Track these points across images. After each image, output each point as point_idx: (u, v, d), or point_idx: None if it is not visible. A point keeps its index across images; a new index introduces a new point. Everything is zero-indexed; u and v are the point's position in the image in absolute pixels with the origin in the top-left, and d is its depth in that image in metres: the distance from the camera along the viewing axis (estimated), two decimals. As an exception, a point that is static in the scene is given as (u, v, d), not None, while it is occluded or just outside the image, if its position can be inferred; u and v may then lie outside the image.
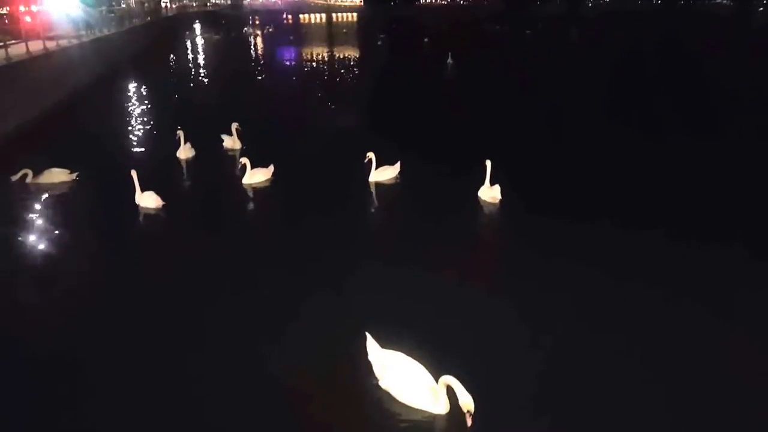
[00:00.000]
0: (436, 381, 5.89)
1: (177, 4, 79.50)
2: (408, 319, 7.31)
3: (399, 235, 10.49)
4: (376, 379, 6.30)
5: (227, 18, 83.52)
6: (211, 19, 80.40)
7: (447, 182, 12.83)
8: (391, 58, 37.37)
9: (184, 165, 14.54)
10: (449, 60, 31.63)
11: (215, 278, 8.78)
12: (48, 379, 6.55)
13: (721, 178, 13.03)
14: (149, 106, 22.81)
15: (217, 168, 14.42)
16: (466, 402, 5.49)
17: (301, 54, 41.80)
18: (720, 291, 8.22)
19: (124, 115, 20.69)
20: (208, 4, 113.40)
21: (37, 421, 5.99)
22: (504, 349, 6.87)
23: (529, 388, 6.25)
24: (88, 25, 29.15)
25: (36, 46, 20.89)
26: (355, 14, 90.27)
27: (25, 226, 10.80)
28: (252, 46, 50.08)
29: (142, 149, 16.34)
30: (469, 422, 5.47)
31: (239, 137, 15.74)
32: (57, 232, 10.58)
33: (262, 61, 39.51)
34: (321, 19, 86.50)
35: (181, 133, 14.80)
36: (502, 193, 11.34)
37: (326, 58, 38.89)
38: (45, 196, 12.32)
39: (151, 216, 11.33)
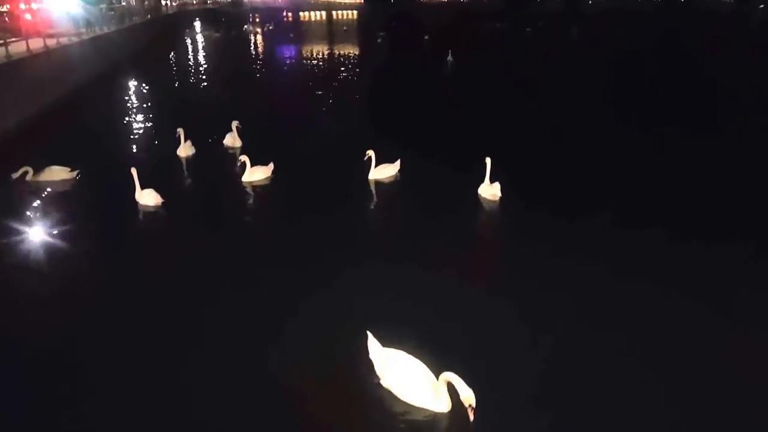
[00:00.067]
0: (437, 379, 5.90)
1: (177, 1, 79.50)
2: (408, 318, 7.31)
3: (399, 233, 10.49)
4: (378, 378, 6.30)
5: (227, 16, 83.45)
6: (211, 17, 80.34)
7: (447, 180, 12.83)
8: (391, 56, 37.35)
9: (184, 163, 14.54)
10: (449, 58, 31.63)
11: (215, 276, 8.78)
12: (48, 378, 6.56)
13: (722, 176, 13.02)
14: (149, 104, 22.81)
15: (217, 166, 14.41)
16: (468, 396, 5.50)
17: (301, 52, 41.76)
18: (720, 290, 8.23)
19: (125, 113, 20.69)
20: (209, 1, 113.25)
21: (37, 421, 5.99)
22: (504, 347, 6.88)
23: (530, 385, 6.26)
24: (89, 23, 29.13)
25: (36, 43, 20.88)
26: (355, 12, 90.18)
27: (26, 223, 10.80)
28: (252, 44, 50.03)
29: (142, 147, 16.33)
30: (471, 417, 5.49)
31: (239, 135, 15.74)
32: (57, 229, 10.58)
33: (262, 59, 39.47)
34: (321, 16, 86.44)
35: (181, 131, 14.79)
36: (502, 190, 11.35)
37: (326, 56, 38.84)
38: (45, 193, 12.34)
39: (151, 213, 11.34)
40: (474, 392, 5.52)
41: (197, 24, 70.44)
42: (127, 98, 23.96)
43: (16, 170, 12.77)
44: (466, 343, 6.85)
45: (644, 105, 21.04)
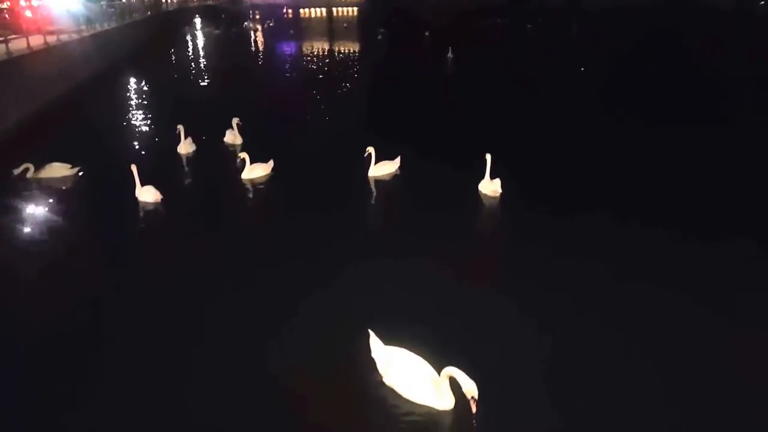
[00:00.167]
0: (439, 375, 5.90)
1: (177, -2, 79.13)
2: (410, 315, 7.33)
3: (399, 230, 10.49)
4: (380, 376, 6.31)
5: (227, 12, 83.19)
6: (212, 14, 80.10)
7: (447, 177, 12.81)
8: (391, 53, 37.26)
9: (184, 160, 14.55)
10: (449, 54, 31.55)
11: (215, 273, 8.79)
12: (48, 376, 6.57)
13: (723, 174, 12.98)
14: (149, 101, 22.79)
15: (218, 163, 14.41)
16: (470, 389, 5.50)
17: (302, 49, 41.68)
18: (721, 288, 8.22)
19: (125, 110, 20.68)
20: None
21: (37, 421, 6.00)
22: (505, 343, 6.89)
23: (531, 381, 6.28)
24: (89, 20, 29.13)
25: (37, 40, 20.90)
26: (355, 8, 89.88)
27: (27, 220, 10.83)
28: (252, 41, 49.93)
29: (143, 144, 16.32)
30: (474, 409, 5.50)
31: (240, 132, 15.74)
32: (57, 226, 10.60)
33: (262, 56, 39.42)
34: (321, 13, 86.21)
35: (181, 128, 14.79)
36: (503, 186, 11.35)
37: (326, 53, 38.79)
38: (46, 190, 12.35)
39: (151, 210, 11.35)
40: (477, 387, 5.53)
41: (197, 21, 70.28)
42: (127, 95, 23.96)
43: (17, 167, 12.80)
44: (467, 339, 6.85)
45: (645, 102, 20.99)
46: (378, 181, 12.72)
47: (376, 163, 12.78)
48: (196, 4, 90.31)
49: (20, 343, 7.19)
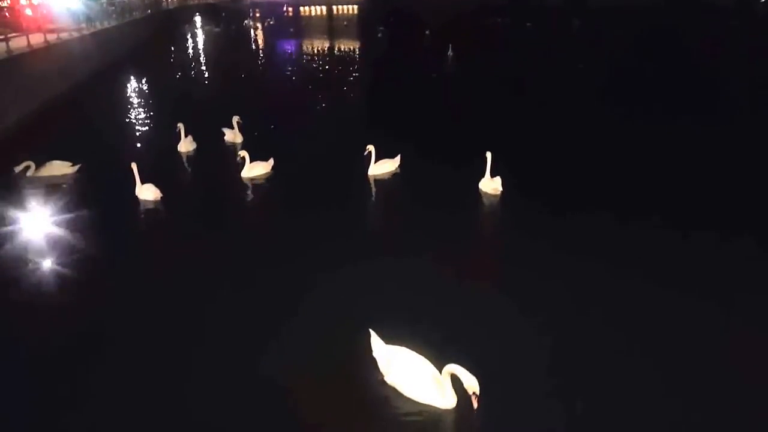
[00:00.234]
0: (441, 373, 5.89)
1: (177, -4, 79.03)
2: (411, 314, 7.32)
3: (399, 228, 10.48)
4: (382, 376, 6.30)
5: (227, 11, 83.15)
6: (212, 12, 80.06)
7: (447, 175, 12.79)
8: (391, 51, 37.23)
9: (184, 158, 14.55)
10: (450, 52, 31.53)
11: (214, 272, 8.78)
12: (47, 376, 6.56)
13: (723, 172, 12.97)
14: (150, 99, 22.79)
15: (218, 161, 14.40)
16: (471, 384, 5.50)
17: (302, 47, 41.66)
18: (721, 285, 8.22)
19: (125, 108, 20.67)
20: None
21: (37, 421, 6.00)
22: (507, 341, 6.89)
23: (532, 378, 6.28)
24: (89, 18, 29.11)
25: (37, 39, 20.88)
26: (355, 7, 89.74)
27: (27, 218, 10.82)
28: (252, 39, 49.90)
29: (143, 142, 16.33)
30: (475, 404, 5.49)
31: (240, 130, 15.73)
32: (58, 224, 10.59)
33: (262, 54, 39.39)
34: (321, 11, 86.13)
35: (181, 126, 14.79)
36: (503, 184, 11.35)
37: (327, 51, 38.77)
38: (46, 188, 12.34)
39: (151, 208, 11.35)
40: (478, 385, 5.52)
41: (197, 19, 70.20)
42: (127, 93, 23.95)
43: (18, 165, 12.81)
44: (468, 338, 6.84)
45: (645, 100, 20.96)
46: (378, 180, 12.71)
47: (376, 161, 12.77)
48: (196, 2, 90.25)
49: (20, 343, 7.17)
